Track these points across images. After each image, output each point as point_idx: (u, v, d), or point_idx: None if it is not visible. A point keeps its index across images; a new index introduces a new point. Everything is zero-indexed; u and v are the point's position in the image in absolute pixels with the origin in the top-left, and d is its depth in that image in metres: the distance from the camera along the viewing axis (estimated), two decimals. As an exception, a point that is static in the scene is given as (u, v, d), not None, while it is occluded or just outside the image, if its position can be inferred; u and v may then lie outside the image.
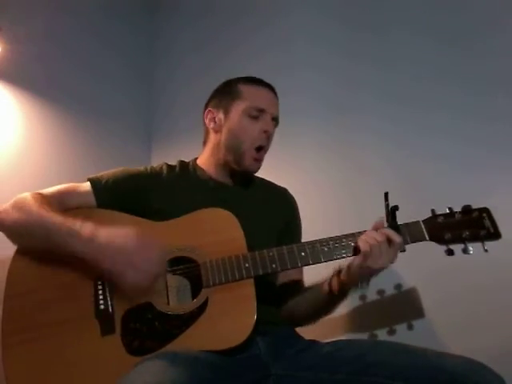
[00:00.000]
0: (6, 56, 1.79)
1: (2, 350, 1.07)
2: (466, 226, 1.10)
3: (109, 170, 1.30)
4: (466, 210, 1.12)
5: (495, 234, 1.08)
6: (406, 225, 1.13)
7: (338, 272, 1.15)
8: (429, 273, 1.52)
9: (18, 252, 1.17)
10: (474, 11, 1.64)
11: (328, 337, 1.50)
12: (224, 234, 1.16)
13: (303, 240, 1.33)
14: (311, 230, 1.38)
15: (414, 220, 1.13)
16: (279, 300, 1.31)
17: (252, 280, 1.11)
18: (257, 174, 1.45)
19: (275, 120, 1.36)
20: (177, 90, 2.35)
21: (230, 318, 1.07)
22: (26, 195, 1.17)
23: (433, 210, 1.14)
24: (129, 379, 0.89)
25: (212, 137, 1.38)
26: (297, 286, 1.34)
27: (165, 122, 2.38)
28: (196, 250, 1.14)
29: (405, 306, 1.57)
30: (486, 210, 1.11)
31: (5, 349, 1.07)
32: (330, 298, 1.18)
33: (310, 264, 1.13)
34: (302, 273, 1.36)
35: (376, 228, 1.11)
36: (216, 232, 1.17)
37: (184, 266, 1.14)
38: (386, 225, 1.12)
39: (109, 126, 2.19)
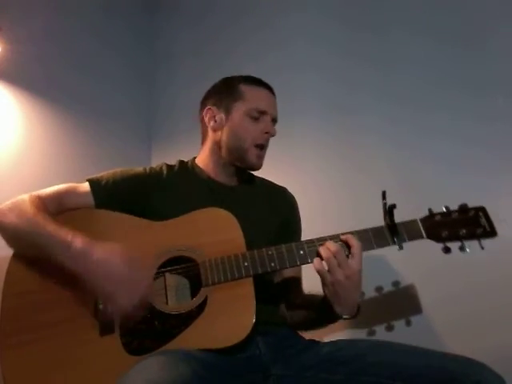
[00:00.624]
0: (5, 56, 1.79)
1: (1, 350, 1.06)
2: (463, 225, 1.12)
3: (108, 171, 1.30)
4: (463, 208, 1.13)
5: (491, 232, 1.10)
6: (404, 223, 1.14)
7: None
8: (426, 270, 1.53)
9: (16, 253, 1.16)
10: (474, 12, 1.64)
11: (327, 333, 1.51)
12: (223, 234, 1.16)
13: (303, 239, 1.33)
14: (311, 229, 1.37)
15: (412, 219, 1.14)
16: (279, 299, 1.31)
17: (251, 279, 1.11)
18: (257, 174, 1.45)
19: (274, 121, 1.37)
20: (177, 91, 2.35)
21: (230, 317, 1.07)
22: (25, 198, 1.16)
23: (430, 209, 1.15)
24: (128, 378, 0.89)
25: (211, 135, 1.37)
26: (295, 284, 1.34)
27: (165, 122, 2.38)
28: (195, 250, 1.14)
29: (403, 302, 1.57)
30: (482, 209, 1.13)
31: (3, 349, 1.06)
32: (322, 314, 1.19)
33: (308, 262, 1.13)
34: (300, 271, 1.36)
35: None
36: (215, 232, 1.17)
37: (183, 265, 1.14)
38: (383, 223, 1.13)
39: (109, 126, 2.19)
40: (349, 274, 1.07)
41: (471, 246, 1.10)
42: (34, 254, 1.11)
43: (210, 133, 1.38)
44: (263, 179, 1.47)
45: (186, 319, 1.07)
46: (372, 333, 1.57)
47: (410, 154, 1.67)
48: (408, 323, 1.52)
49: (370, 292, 1.58)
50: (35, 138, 1.90)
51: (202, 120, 1.40)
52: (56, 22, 2.03)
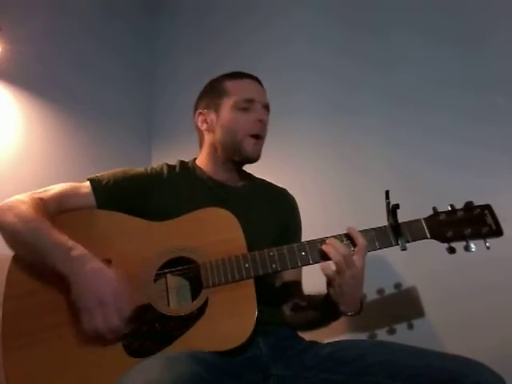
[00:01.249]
0: (5, 56, 1.79)
1: (3, 352, 1.07)
2: (468, 223, 1.09)
3: (109, 171, 1.29)
4: (468, 206, 1.11)
5: (497, 231, 1.08)
6: (407, 223, 1.13)
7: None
8: (429, 272, 1.53)
9: (16, 255, 1.16)
10: (474, 12, 1.64)
11: (328, 336, 1.50)
12: (224, 234, 1.16)
13: (303, 240, 1.33)
14: (311, 230, 1.37)
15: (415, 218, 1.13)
16: (280, 300, 1.31)
17: (252, 280, 1.11)
18: (257, 173, 1.45)
19: (266, 108, 1.36)
20: (177, 90, 2.35)
21: (231, 319, 1.07)
22: (25, 199, 1.16)
23: (434, 208, 1.13)
24: (129, 378, 0.89)
25: (206, 138, 1.38)
26: (295, 286, 1.34)
27: (165, 122, 2.38)
28: (196, 251, 1.14)
29: (405, 305, 1.57)
30: (487, 207, 1.11)
31: (5, 352, 1.06)
32: (326, 313, 1.19)
33: (310, 263, 1.13)
34: (300, 274, 1.36)
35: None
36: (216, 232, 1.16)
37: (184, 266, 1.14)
38: (386, 223, 1.12)
39: (109, 126, 2.19)
40: (355, 274, 1.07)
41: (476, 245, 1.08)
42: (30, 257, 1.11)
43: (206, 136, 1.38)
44: (264, 180, 1.47)
45: (186, 321, 1.07)
46: (373, 336, 1.56)
47: (409, 154, 1.67)
48: (410, 326, 1.52)
49: (371, 294, 1.58)
50: (35, 138, 1.90)
51: (197, 126, 1.40)
52: (56, 22, 2.03)
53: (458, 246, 1.09)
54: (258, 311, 1.07)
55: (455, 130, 1.60)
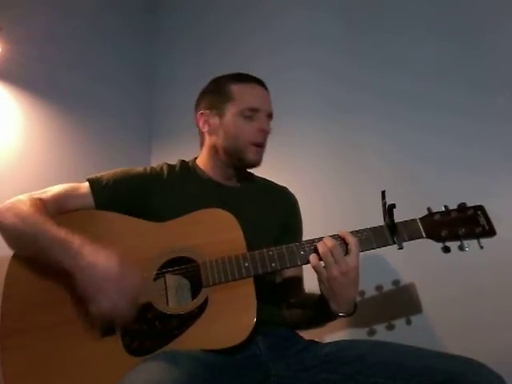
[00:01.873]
0: (5, 56, 1.79)
1: (1, 351, 1.06)
2: (462, 224, 1.12)
3: (108, 171, 1.29)
4: (462, 207, 1.13)
5: (490, 231, 1.10)
6: (403, 223, 1.14)
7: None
8: (426, 269, 1.53)
9: (15, 254, 1.16)
10: (475, 11, 1.64)
11: (327, 333, 1.51)
12: (223, 235, 1.16)
13: (304, 239, 1.33)
14: (311, 229, 1.37)
15: (412, 218, 1.14)
16: (279, 299, 1.31)
17: (252, 279, 1.11)
18: (257, 173, 1.45)
19: (269, 116, 1.36)
20: (177, 90, 2.35)
21: (230, 318, 1.07)
22: (24, 199, 1.16)
23: (429, 209, 1.15)
24: (129, 378, 0.89)
25: (208, 139, 1.37)
26: (296, 283, 1.34)
27: (165, 122, 2.38)
28: (195, 250, 1.14)
29: (403, 301, 1.57)
30: (480, 208, 1.13)
31: (3, 350, 1.06)
32: (319, 312, 1.19)
33: (309, 263, 1.13)
34: (301, 271, 1.36)
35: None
36: (215, 232, 1.16)
37: (183, 266, 1.14)
38: (383, 223, 1.13)
39: (109, 125, 2.19)
40: (345, 271, 1.08)
41: (470, 245, 1.10)
42: (32, 254, 1.11)
43: (206, 137, 1.38)
44: (264, 179, 1.47)
45: (186, 320, 1.07)
46: (372, 332, 1.57)
47: (409, 153, 1.67)
48: (408, 322, 1.52)
49: (370, 291, 1.59)
50: (35, 138, 1.90)
51: (197, 124, 1.40)
52: (56, 22, 2.03)
53: (453, 245, 1.11)
54: (258, 310, 1.07)
55: (455, 130, 1.60)
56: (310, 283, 1.30)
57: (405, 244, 1.12)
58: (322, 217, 1.70)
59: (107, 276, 1.01)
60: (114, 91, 2.25)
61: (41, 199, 1.18)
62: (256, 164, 1.34)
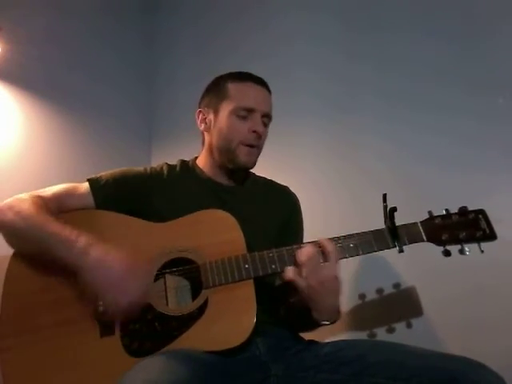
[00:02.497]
0: (5, 56, 1.79)
1: (0, 351, 1.06)
2: (463, 228, 1.11)
3: (108, 171, 1.29)
4: (463, 211, 1.13)
5: (491, 235, 1.10)
6: (404, 226, 1.14)
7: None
8: (427, 272, 1.53)
9: (15, 254, 1.17)
10: (474, 11, 1.64)
11: (327, 336, 1.50)
12: (223, 236, 1.16)
13: (304, 241, 1.32)
14: (311, 230, 1.38)
15: (413, 221, 1.14)
16: (280, 300, 1.31)
17: (252, 281, 1.11)
18: (257, 173, 1.45)
19: (267, 116, 1.33)
20: (177, 90, 2.35)
21: (230, 319, 1.07)
22: (25, 197, 1.16)
23: (430, 212, 1.15)
24: (128, 378, 0.89)
25: (206, 137, 1.38)
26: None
27: (165, 121, 2.38)
28: (196, 252, 1.14)
29: (403, 304, 1.57)
30: (481, 212, 1.12)
31: (3, 351, 1.06)
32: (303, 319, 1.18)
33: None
34: None
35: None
36: (215, 233, 1.16)
37: (183, 267, 1.14)
38: (383, 222, 1.13)
39: (109, 125, 2.19)
40: (322, 280, 1.06)
41: (471, 249, 1.10)
42: (34, 252, 1.11)
43: (205, 135, 1.38)
44: (265, 178, 1.46)
45: (186, 321, 1.07)
46: (373, 335, 1.57)
47: (409, 154, 1.67)
48: (409, 325, 1.52)
49: (370, 294, 1.59)
50: (35, 138, 1.90)
51: (197, 124, 1.39)
52: (56, 22, 2.02)
53: (454, 249, 1.11)
54: (258, 311, 1.07)
55: (455, 130, 1.59)
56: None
57: (405, 247, 1.12)
58: (321, 218, 1.70)
59: (122, 275, 1.02)
60: (114, 91, 2.25)
61: (41, 197, 1.19)
62: (247, 166, 1.32)
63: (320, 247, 1.10)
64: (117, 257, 1.04)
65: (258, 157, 1.34)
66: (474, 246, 1.10)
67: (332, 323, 1.13)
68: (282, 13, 2.12)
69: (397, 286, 1.57)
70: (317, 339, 1.23)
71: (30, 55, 1.88)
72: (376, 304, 1.58)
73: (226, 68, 1.40)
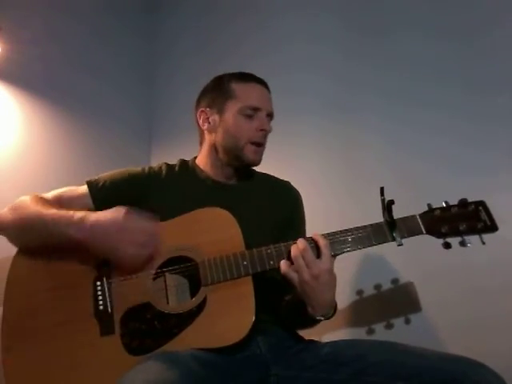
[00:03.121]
0: (6, 56, 1.79)
1: (2, 352, 1.07)
2: (463, 219, 1.10)
3: (106, 172, 1.30)
4: (463, 203, 1.12)
5: (492, 227, 1.08)
6: (403, 219, 1.13)
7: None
8: (426, 267, 1.53)
9: (17, 255, 1.18)
10: (475, 11, 1.64)
11: (326, 331, 1.51)
12: (222, 233, 1.16)
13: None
14: (312, 229, 1.37)
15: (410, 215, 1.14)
16: (279, 297, 1.31)
17: (250, 278, 1.11)
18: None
19: (270, 116, 1.35)
20: (177, 90, 2.35)
21: (229, 316, 1.07)
22: (25, 197, 1.19)
23: (429, 205, 1.14)
24: (129, 378, 0.89)
25: (207, 137, 1.37)
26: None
27: (165, 121, 2.38)
28: (194, 249, 1.14)
29: (402, 300, 1.57)
30: (481, 203, 1.11)
31: (5, 351, 1.07)
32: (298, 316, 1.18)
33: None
34: None
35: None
36: (214, 231, 1.17)
37: (182, 265, 1.14)
38: (382, 219, 1.13)
39: (109, 126, 2.19)
40: (316, 274, 1.05)
41: (472, 241, 1.08)
42: (39, 240, 1.14)
43: (206, 135, 1.38)
44: (266, 174, 1.46)
45: (185, 319, 1.07)
46: (371, 331, 1.57)
47: (409, 153, 1.67)
48: (407, 321, 1.52)
49: (368, 290, 1.59)
50: (35, 138, 1.90)
51: (198, 123, 1.39)
52: (56, 22, 2.03)
53: (454, 241, 1.10)
54: (258, 309, 1.07)
55: (455, 129, 1.60)
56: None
57: (404, 242, 1.11)
58: (321, 215, 1.70)
59: (119, 226, 1.09)
60: (114, 91, 2.25)
61: (42, 197, 1.22)
62: (255, 163, 1.34)
63: (313, 242, 1.10)
64: (113, 210, 1.13)
65: (262, 155, 1.35)
66: (476, 238, 1.08)
67: (327, 319, 1.12)
68: (281, 13, 2.12)
69: (395, 281, 1.57)
70: (315, 336, 1.23)
71: (30, 55, 1.89)
72: (374, 300, 1.58)
73: (226, 68, 1.41)
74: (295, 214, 1.41)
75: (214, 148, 1.35)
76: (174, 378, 0.88)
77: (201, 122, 1.37)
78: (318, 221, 1.51)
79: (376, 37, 1.83)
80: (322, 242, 1.09)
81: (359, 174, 1.76)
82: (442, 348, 1.41)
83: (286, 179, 1.48)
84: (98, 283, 1.12)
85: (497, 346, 1.37)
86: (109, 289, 1.12)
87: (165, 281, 1.14)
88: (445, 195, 1.17)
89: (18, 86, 1.85)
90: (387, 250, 1.16)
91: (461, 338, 1.42)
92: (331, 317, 1.13)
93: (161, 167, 1.36)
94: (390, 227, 1.12)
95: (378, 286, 1.58)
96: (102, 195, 1.25)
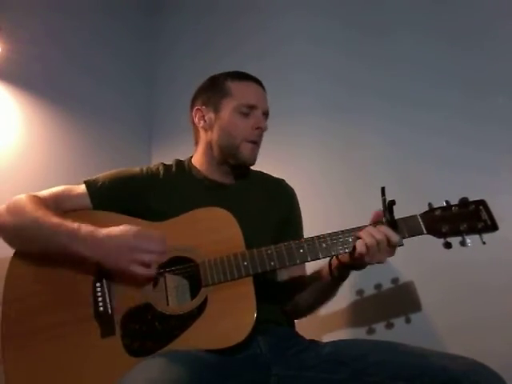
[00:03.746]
0: (6, 56, 1.79)
1: (3, 353, 1.07)
2: (463, 219, 1.10)
3: (105, 173, 1.30)
4: (463, 202, 1.12)
5: (492, 226, 1.08)
6: (404, 219, 1.13)
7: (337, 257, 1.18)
8: (426, 267, 1.53)
9: (15, 255, 1.17)
10: (474, 11, 1.64)
11: (326, 331, 1.51)
12: (222, 233, 1.16)
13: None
14: (311, 228, 1.37)
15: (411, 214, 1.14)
16: (283, 297, 1.31)
17: (251, 278, 1.11)
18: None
19: (266, 114, 1.36)
20: (177, 90, 2.35)
21: (230, 317, 1.07)
22: (22, 198, 1.18)
23: (430, 204, 1.14)
24: (129, 378, 0.89)
25: (203, 135, 1.37)
26: (301, 281, 1.33)
27: (165, 122, 2.38)
28: (194, 250, 1.14)
29: (402, 300, 1.57)
30: (482, 203, 1.11)
31: (5, 352, 1.07)
32: (328, 283, 1.22)
33: (308, 261, 1.13)
34: (304, 268, 1.35)
35: (375, 221, 1.13)
36: (213, 231, 1.16)
37: (182, 265, 1.14)
38: (383, 219, 1.12)
39: (109, 126, 2.19)
40: (382, 260, 1.10)
41: (472, 240, 1.08)
42: (37, 248, 1.12)
43: (202, 133, 1.37)
44: (261, 173, 1.46)
45: (186, 320, 1.07)
46: (371, 331, 1.57)
47: (408, 153, 1.67)
48: (408, 321, 1.52)
49: (369, 289, 1.59)
50: (35, 138, 1.90)
51: (193, 121, 1.39)
52: (56, 22, 2.03)
53: (454, 241, 1.10)
54: (258, 309, 1.07)
55: (454, 129, 1.59)
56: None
57: (405, 242, 1.11)
58: (321, 217, 1.70)
59: (130, 245, 1.06)
60: (114, 91, 2.25)
61: (39, 197, 1.20)
62: (250, 162, 1.34)
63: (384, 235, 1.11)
64: (123, 228, 1.10)
65: (258, 153, 1.35)
66: (476, 237, 1.08)
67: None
68: (281, 13, 2.12)
69: (395, 281, 1.57)
70: (315, 336, 1.23)
71: (30, 55, 1.89)
72: (374, 300, 1.58)
73: (226, 68, 1.41)
74: (293, 212, 1.42)
75: (209, 146, 1.35)
76: (176, 377, 0.88)
77: (196, 120, 1.37)
78: (317, 221, 1.52)
79: (376, 37, 1.83)
80: (394, 239, 1.09)
81: (359, 174, 1.76)
82: (442, 348, 1.41)
83: (286, 179, 1.48)
84: (98, 284, 1.12)
85: (497, 346, 1.38)
86: (109, 290, 1.11)
87: (165, 282, 1.13)
88: (445, 195, 1.16)
89: (17, 86, 1.86)
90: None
91: (461, 337, 1.42)
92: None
93: (158, 167, 1.36)
94: (391, 227, 1.11)
95: (378, 286, 1.58)
96: (100, 195, 1.25)
